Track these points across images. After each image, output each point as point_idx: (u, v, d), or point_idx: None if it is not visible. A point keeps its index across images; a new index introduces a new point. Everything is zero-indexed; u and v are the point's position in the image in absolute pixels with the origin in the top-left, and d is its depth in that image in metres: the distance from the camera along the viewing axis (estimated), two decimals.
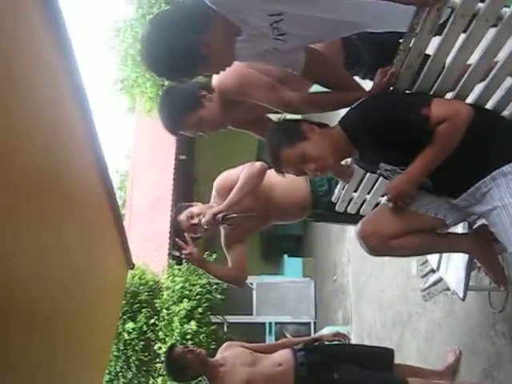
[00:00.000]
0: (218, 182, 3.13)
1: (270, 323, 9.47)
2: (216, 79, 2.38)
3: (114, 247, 4.22)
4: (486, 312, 3.20)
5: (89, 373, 3.80)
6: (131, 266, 4.90)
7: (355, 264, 6.94)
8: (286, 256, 10.82)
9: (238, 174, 2.98)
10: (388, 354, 3.64)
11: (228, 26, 1.80)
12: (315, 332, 9.00)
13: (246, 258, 3.23)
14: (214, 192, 3.16)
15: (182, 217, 3.11)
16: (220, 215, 2.93)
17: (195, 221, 3.06)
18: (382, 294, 5.59)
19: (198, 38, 1.74)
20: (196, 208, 3.12)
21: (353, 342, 6.54)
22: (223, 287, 8.69)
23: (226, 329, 8.83)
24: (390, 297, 5.27)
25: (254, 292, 9.71)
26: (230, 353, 3.54)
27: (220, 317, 8.75)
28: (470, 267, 2.56)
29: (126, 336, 7.76)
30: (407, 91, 2.07)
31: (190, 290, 8.09)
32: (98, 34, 11.62)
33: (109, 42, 11.25)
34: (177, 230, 3.24)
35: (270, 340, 8.98)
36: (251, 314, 9.57)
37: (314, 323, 9.41)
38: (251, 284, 9.71)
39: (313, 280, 9.89)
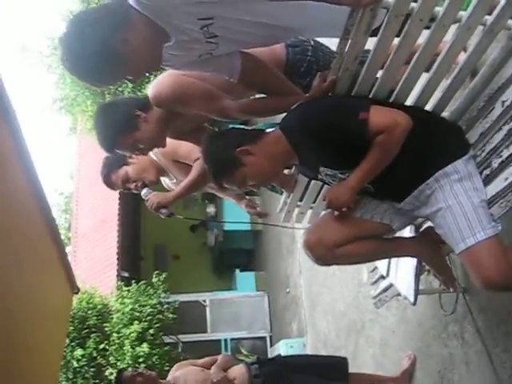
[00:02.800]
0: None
1: (226, 340, 9.32)
2: (151, 91, 2.29)
3: (55, 273, 4.07)
4: (437, 315, 3.20)
5: None
6: (76, 290, 4.75)
7: (307, 275, 6.92)
8: (237, 271, 10.73)
9: (188, 152, 2.76)
10: (342, 362, 3.65)
11: (153, 28, 1.70)
12: (271, 346, 8.91)
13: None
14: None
15: (115, 178, 2.85)
16: (165, 212, 2.77)
17: (131, 186, 2.85)
18: (334, 303, 5.58)
19: (113, 36, 1.63)
20: (132, 171, 2.84)
21: (308, 353, 6.52)
22: (175, 306, 8.51)
23: (180, 349, 8.63)
24: (343, 306, 5.26)
25: (208, 309, 9.54)
26: (180, 372, 3.49)
27: (173, 336, 8.54)
28: (418, 271, 2.54)
29: (74, 364, 7.43)
30: (346, 95, 2.03)
31: (141, 311, 7.85)
32: (34, 53, 11.30)
33: (46, 60, 10.97)
34: (108, 184, 2.91)
35: None
36: (206, 332, 9.38)
37: (270, 337, 9.31)
38: (204, 301, 9.56)
39: (266, 293, 9.82)
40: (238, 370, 3.52)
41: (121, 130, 2.27)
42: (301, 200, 2.94)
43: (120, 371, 3.46)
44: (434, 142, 1.93)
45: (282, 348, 7.18)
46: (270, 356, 8.47)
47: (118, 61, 1.68)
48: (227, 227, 10.89)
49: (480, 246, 1.75)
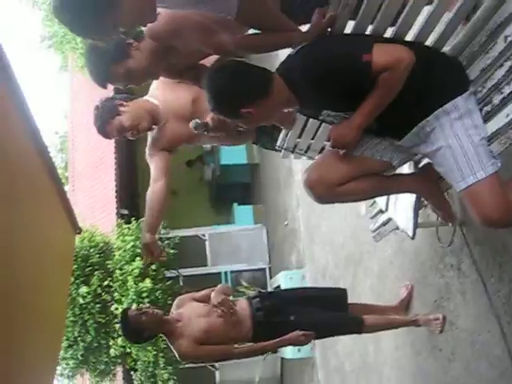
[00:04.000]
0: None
1: (226, 272, 9.49)
2: None
3: (57, 215, 4.08)
4: (434, 247, 3.26)
5: (45, 342, 3.72)
6: (78, 230, 4.77)
7: (305, 208, 6.98)
8: (235, 205, 10.81)
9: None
10: (341, 293, 3.74)
11: None
12: (271, 277, 9.11)
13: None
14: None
15: (110, 129, 2.81)
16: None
17: (127, 135, 2.84)
18: (333, 235, 5.66)
19: None
20: (126, 120, 2.80)
21: (308, 284, 6.67)
22: (175, 241, 8.62)
23: (181, 282, 8.81)
24: (342, 237, 5.34)
25: (207, 243, 9.67)
26: (184, 308, 3.57)
27: (174, 271, 8.71)
28: (417, 206, 2.57)
29: (80, 300, 7.60)
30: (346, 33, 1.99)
31: None
32: None
33: None
34: (103, 134, 2.88)
35: None
36: (206, 265, 9.55)
37: (269, 268, 9.50)
38: (203, 235, 9.68)
39: (264, 226, 9.94)
40: (239, 304, 3.59)
41: (113, 57, 2.26)
42: (299, 137, 2.93)
43: (125, 310, 3.53)
44: (434, 79, 1.90)
45: (282, 279, 7.30)
46: (270, 287, 8.66)
47: (109, 5, 1.61)
48: (224, 161, 10.89)
49: (480, 185, 1.77)
